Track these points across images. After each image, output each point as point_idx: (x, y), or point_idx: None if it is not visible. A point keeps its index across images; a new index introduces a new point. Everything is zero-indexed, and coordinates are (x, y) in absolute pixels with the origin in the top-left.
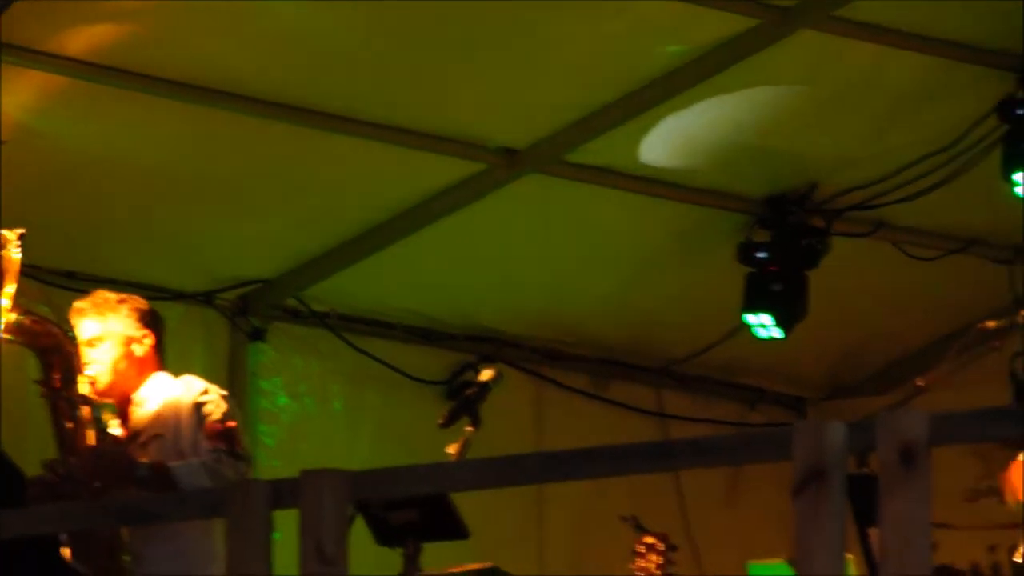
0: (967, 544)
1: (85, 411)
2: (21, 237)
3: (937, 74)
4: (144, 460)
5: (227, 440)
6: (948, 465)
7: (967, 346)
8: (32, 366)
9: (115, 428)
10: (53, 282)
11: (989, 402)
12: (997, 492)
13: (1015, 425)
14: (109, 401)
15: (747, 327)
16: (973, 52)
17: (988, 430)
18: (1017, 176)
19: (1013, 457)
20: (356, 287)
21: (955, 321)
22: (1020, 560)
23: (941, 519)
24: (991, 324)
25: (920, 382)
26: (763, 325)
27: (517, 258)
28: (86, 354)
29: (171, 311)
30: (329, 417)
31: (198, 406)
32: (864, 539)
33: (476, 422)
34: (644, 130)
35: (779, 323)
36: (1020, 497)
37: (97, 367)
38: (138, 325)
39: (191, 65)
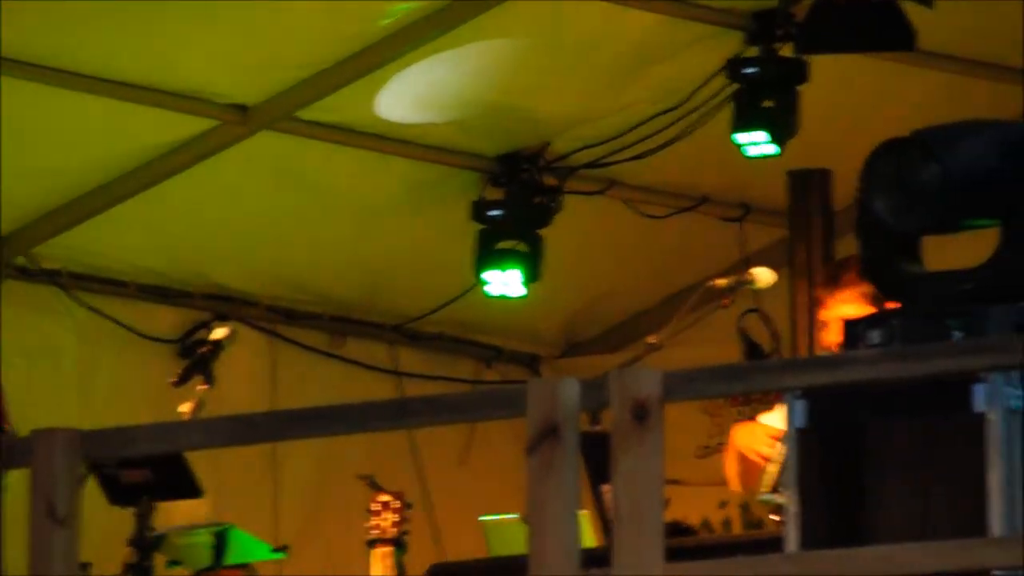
0: (699, 500)
1: None
2: None
3: (667, 32)
4: None
5: None
6: (680, 422)
7: (698, 304)
8: None
9: None
10: None
11: (719, 359)
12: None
13: (744, 382)
14: None
15: (481, 285)
16: (702, 10)
17: (718, 387)
18: (741, 136)
19: (742, 415)
20: (88, 244)
21: (686, 279)
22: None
23: (673, 475)
24: (721, 282)
25: (652, 340)
26: (499, 283)
27: (251, 216)
28: None
29: None
30: (61, 376)
31: None
32: (597, 495)
33: (209, 380)
34: (377, 87)
35: (514, 281)
36: (736, 487)
37: None
38: None
39: None
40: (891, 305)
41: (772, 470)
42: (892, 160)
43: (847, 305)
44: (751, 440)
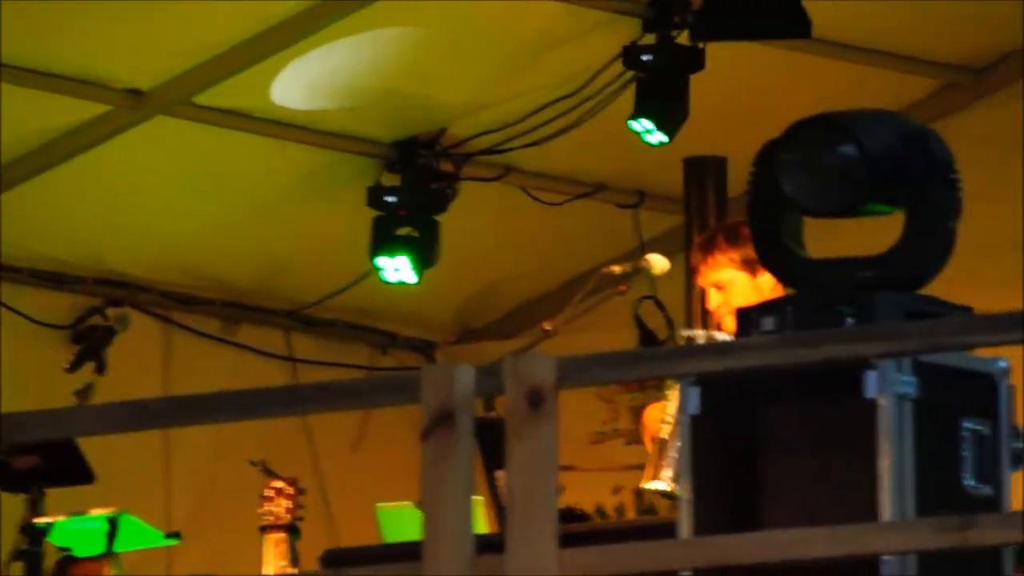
0: (593, 486)
1: None
2: None
3: (565, 19)
4: None
5: None
6: (574, 408)
7: (593, 290)
8: None
9: None
10: None
11: (614, 346)
12: (622, 434)
13: (638, 369)
14: None
15: (377, 271)
16: None
17: (613, 374)
18: (636, 123)
19: (636, 401)
20: None
21: (582, 265)
22: (646, 486)
23: (567, 462)
24: (616, 269)
25: (547, 326)
26: (393, 269)
27: (145, 201)
28: None
29: None
30: None
31: None
32: (491, 482)
33: (101, 367)
34: (273, 72)
35: (409, 268)
36: (648, 442)
37: None
38: None
39: None
40: (765, 274)
41: (653, 454)
42: (807, 140)
43: (720, 271)
44: (655, 420)
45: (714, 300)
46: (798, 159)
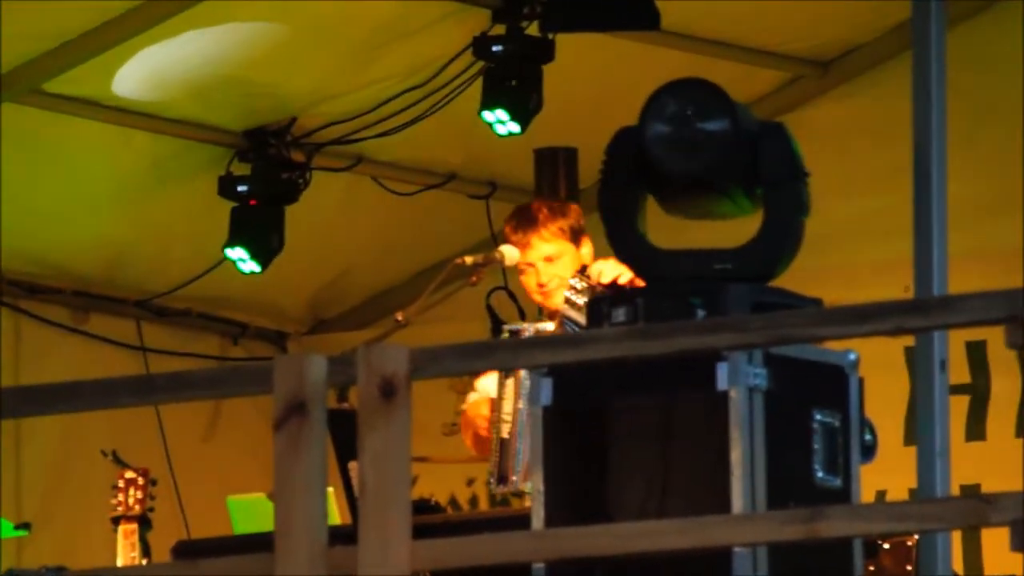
0: (446, 477)
1: None
2: None
3: (416, 9)
4: None
5: None
6: (427, 399)
7: (445, 281)
8: None
9: None
10: None
11: (467, 337)
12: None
13: (491, 360)
14: None
15: (230, 261)
16: None
17: (466, 364)
18: (488, 114)
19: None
20: None
21: (434, 256)
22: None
23: (420, 453)
24: (468, 259)
25: (400, 317)
26: (243, 259)
27: None
28: None
29: None
30: None
31: None
32: (344, 473)
33: None
34: (121, 61)
35: (256, 257)
36: (469, 443)
37: None
38: None
39: None
40: (586, 243)
41: (493, 454)
42: (683, 99)
43: (551, 243)
44: (481, 416)
45: (545, 274)
46: (668, 115)
